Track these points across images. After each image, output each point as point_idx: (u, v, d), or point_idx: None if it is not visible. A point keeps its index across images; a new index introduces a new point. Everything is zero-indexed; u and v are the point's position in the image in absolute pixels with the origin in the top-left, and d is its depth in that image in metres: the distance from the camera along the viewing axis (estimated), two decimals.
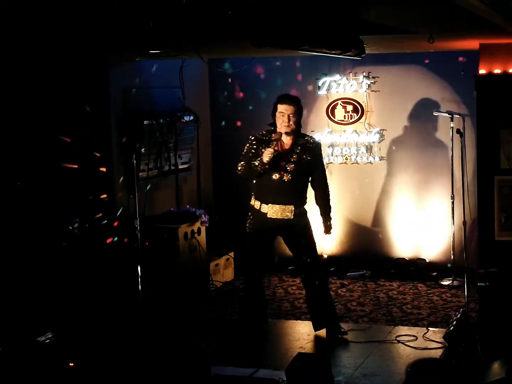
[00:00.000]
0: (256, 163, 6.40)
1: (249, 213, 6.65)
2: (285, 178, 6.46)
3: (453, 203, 8.09)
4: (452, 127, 8.05)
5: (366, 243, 8.86)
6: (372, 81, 8.71)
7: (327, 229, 6.71)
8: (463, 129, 7.95)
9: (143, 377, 5.17)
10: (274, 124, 6.55)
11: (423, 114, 8.56)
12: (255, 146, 6.51)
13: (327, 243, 8.83)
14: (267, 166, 6.39)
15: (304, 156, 6.52)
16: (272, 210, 6.51)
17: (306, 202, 6.65)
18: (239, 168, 6.55)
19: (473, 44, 6.96)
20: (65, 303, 6.62)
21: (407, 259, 8.67)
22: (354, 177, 8.87)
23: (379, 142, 8.75)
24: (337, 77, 8.79)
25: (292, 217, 6.50)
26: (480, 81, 6.72)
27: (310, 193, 6.73)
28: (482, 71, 6.82)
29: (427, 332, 6.71)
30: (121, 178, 7.80)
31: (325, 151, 8.66)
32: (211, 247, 8.36)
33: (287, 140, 6.55)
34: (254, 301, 6.80)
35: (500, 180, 6.65)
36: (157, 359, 5.15)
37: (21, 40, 5.72)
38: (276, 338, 6.92)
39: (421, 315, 7.28)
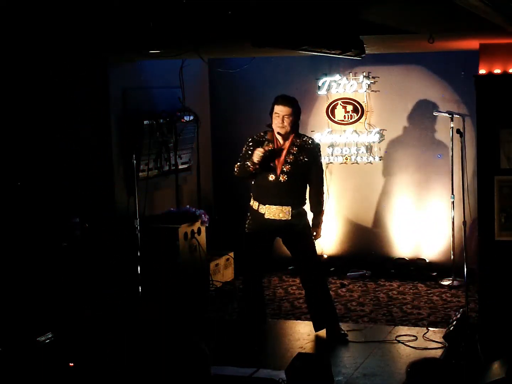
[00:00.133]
0: (248, 163, 6.42)
1: (248, 214, 6.66)
2: (281, 179, 6.46)
3: (453, 203, 8.09)
4: (452, 127, 8.05)
5: (366, 243, 8.86)
6: (372, 81, 8.71)
7: (314, 230, 6.63)
8: (463, 129, 7.96)
9: (143, 377, 5.16)
10: (271, 125, 6.57)
11: (423, 114, 8.56)
12: (252, 148, 6.52)
13: (327, 243, 8.83)
14: (257, 166, 6.40)
15: (301, 157, 6.52)
16: (269, 211, 6.51)
17: (305, 203, 6.64)
18: (235, 169, 6.57)
19: (473, 44, 6.96)
20: (65, 303, 6.62)
21: (407, 259, 8.67)
22: (354, 177, 8.87)
23: (379, 142, 8.76)
24: (337, 77, 8.79)
25: (290, 218, 6.50)
26: (480, 81, 6.72)
27: None
28: (482, 71, 6.82)
29: (427, 332, 6.71)
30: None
31: (325, 151, 8.67)
32: (211, 247, 8.36)
33: (284, 141, 6.55)
34: (254, 301, 6.80)
35: (500, 180, 6.64)
36: (157, 359, 5.15)
37: (21, 40, 5.72)
38: (276, 338, 6.93)
39: (421, 315, 7.28)
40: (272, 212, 6.50)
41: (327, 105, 8.85)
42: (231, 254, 8.68)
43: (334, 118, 8.84)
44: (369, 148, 8.78)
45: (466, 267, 6.75)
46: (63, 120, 7.52)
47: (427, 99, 8.53)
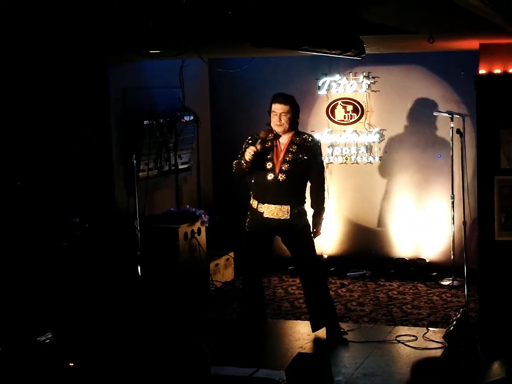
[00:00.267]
0: (242, 161, 6.42)
1: (248, 213, 6.66)
2: (280, 178, 6.45)
3: (453, 203, 8.09)
4: (452, 127, 8.05)
5: (366, 243, 8.86)
6: (372, 81, 8.71)
7: (314, 227, 6.64)
8: (463, 129, 7.96)
9: (143, 377, 5.16)
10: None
11: (423, 114, 8.56)
12: (249, 146, 6.52)
13: (327, 243, 8.84)
14: (249, 165, 6.40)
15: (300, 156, 6.51)
16: (268, 210, 6.51)
17: (305, 202, 6.63)
18: (233, 165, 6.59)
19: (473, 44, 6.96)
20: (65, 303, 6.62)
21: (407, 259, 8.67)
22: (354, 177, 8.87)
23: (379, 142, 8.76)
24: (337, 77, 8.79)
25: (289, 217, 6.49)
26: (480, 81, 6.72)
27: None
28: (482, 71, 6.82)
29: (427, 332, 6.71)
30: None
31: (325, 151, 8.67)
32: (211, 247, 8.36)
33: (283, 139, 6.54)
34: (254, 301, 6.80)
35: (500, 180, 6.64)
36: (157, 359, 5.15)
37: (21, 40, 5.72)
38: (276, 338, 6.93)
39: (421, 315, 7.28)
40: (271, 211, 6.50)
41: (327, 105, 8.85)
42: (231, 254, 8.68)
43: (334, 118, 8.84)
44: (369, 148, 8.78)
45: (466, 267, 6.74)
46: (63, 120, 7.52)
47: (427, 99, 8.53)
